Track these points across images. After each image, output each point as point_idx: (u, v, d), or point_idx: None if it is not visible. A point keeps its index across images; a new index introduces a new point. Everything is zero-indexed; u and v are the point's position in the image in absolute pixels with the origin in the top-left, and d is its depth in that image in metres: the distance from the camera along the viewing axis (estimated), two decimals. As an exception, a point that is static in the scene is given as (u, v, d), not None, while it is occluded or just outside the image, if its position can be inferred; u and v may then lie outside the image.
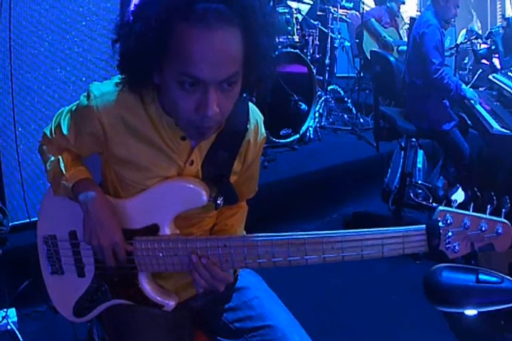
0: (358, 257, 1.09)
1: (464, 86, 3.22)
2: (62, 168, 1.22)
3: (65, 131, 1.23)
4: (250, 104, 1.24)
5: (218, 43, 0.93)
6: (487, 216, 1.09)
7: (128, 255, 1.19)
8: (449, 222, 1.08)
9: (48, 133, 1.28)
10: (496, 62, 3.94)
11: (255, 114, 1.24)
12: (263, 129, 1.26)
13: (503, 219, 1.09)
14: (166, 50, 0.95)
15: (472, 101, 3.23)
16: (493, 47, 3.89)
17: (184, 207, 1.17)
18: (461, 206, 1.11)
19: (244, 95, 1.18)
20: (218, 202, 1.19)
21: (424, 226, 1.09)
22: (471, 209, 1.10)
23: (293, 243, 1.10)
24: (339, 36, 5.39)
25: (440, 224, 1.08)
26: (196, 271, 1.13)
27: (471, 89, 3.31)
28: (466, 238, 1.09)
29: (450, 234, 1.09)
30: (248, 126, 1.21)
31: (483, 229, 1.08)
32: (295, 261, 1.11)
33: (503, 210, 1.09)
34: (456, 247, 1.10)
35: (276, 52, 3.75)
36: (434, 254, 1.08)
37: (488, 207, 1.10)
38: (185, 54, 0.93)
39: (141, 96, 1.11)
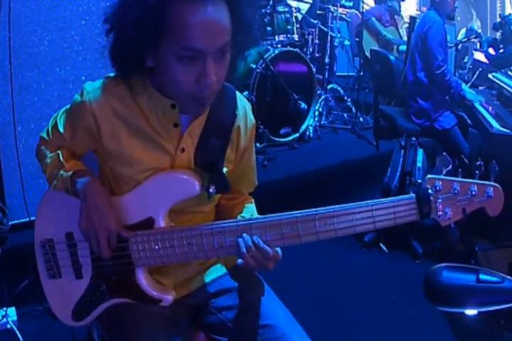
0: (351, 231, 1.10)
1: (464, 86, 3.22)
2: (62, 160, 1.25)
3: (61, 129, 1.26)
4: (237, 93, 1.29)
5: (211, 16, 1.02)
6: (476, 180, 1.10)
7: (124, 250, 1.19)
8: (438, 188, 1.09)
9: (45, 135, 1.31)
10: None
11: (243, 101, 1.29)
12: (252, 116, 1.31)
13: (492, 183, 1.10)
14: (163, 29, 1.01)
15: (476, 104, 3.21)
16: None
17: (178, 197, 1.18)
18: (449, 174, 1.12)
19: (234, 87, 1.27)
20: (210, 190, 1.20)
21: (413, 195, 1.10)
22: (459, 177, 1.11)
23: (285, 222, 1.12)
24: (339, 35, 5.38)
25: (429, 191, 1.09)
26: (247, 253, 1.12)
27: (473, 91, 3.29)
28: (457, 203, 1.10)
29: (440, 200, 1.09)
30: (237, 112, 1.26)
31: (474, 193, 1.09)
32: (289, 239, 1.12)
33: (492, 175, 1.11)
34: (448, 213, 1.10)
35: (276, 51, 3.82)
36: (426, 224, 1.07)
37: (477, 172, 1.12)
38: (183, 29, 1.00)
39: (130, 88, 1.16)
